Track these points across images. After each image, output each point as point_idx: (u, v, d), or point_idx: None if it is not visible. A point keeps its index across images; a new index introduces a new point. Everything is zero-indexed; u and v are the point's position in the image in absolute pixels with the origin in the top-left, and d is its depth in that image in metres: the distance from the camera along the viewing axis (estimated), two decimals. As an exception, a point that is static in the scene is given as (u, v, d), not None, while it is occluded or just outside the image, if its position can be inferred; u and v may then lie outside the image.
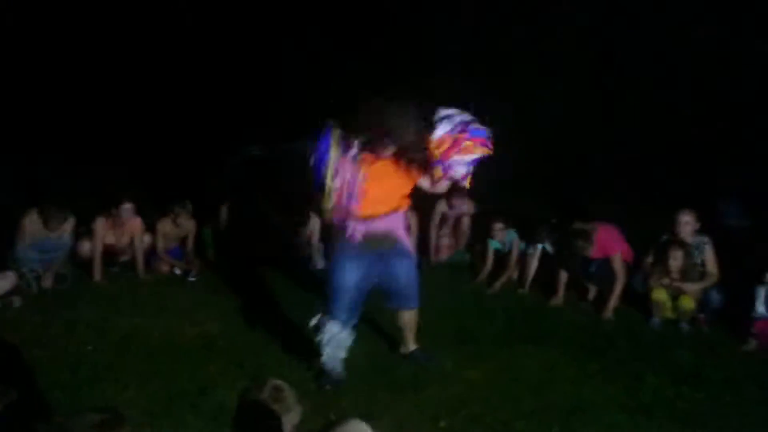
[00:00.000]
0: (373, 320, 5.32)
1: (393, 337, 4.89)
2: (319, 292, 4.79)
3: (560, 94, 10.01)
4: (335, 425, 1.98)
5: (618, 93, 9.95)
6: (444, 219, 7.35)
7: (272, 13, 13.09)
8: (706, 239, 5.68)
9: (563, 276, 6.14)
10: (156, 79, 13.13)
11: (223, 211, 7.22)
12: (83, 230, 6.60)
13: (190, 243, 6.97)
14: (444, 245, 7.23)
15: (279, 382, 2.44)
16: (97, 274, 6.41)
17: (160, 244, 6.82)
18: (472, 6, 11.30)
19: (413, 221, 7.13)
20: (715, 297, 5.50)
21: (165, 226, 6.85)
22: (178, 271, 6.76)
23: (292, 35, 12.98)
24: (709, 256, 5.64)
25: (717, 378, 4.45)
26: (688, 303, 5.48)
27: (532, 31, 10.89)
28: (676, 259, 5.59)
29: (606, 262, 5.96)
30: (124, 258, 6.83)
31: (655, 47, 10.00)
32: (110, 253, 6.66)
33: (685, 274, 5.59)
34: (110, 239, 6.62)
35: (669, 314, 5.59)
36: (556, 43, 10.59)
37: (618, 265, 5.87)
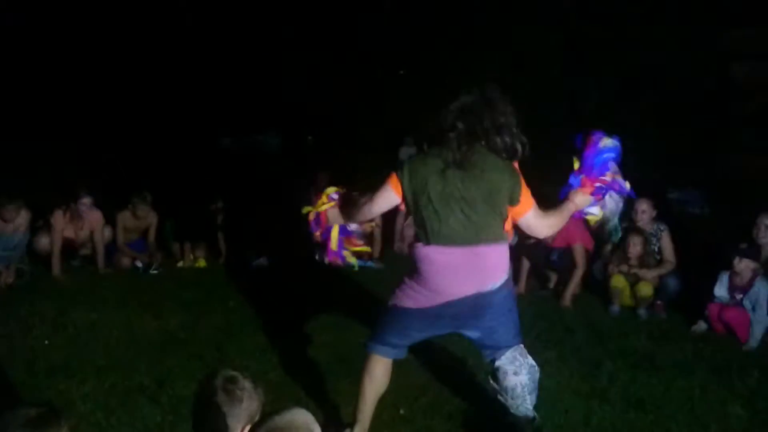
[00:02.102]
0: (336, 311, 5.34)
1: (356, 327, 4.91)
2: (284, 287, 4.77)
3: (526, 86, 10.12)
4: (276, 414, 1.98)
5: (580, 84, 10.08)
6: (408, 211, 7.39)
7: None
8: (663, 227, 5.79)
9: (525, 265, 6.22)
10: (122, 71, 12.96)
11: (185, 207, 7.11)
12: (41, 224, 6.51)
13: (151, 235, 6.90)
14: (408, 236, 7.26)
15: (232, 373, 2.43)
16: (56, 269, 6.33)
17: (121, 238, 6.75)
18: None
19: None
20: (672, 283, 5.61)
21: (125, 219, 6.77)
22: (139, 264, 6.69)
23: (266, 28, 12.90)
24: (666, 244, 5.75)
25: (670, 363, 4.53)
26: (645, 289, 5.58)
27: (498, 29, 10.98)
28: (635, 246, 5.69)
29: (567, 251, 6.05)
30: (85, 251, 6.76)
31: (617, 43, 10.16)
32: (69, 247, 6.58)
33: (643, 261, 5.69)
34: (69, 233, 6.54)
35: (627, 301, 5.69)
36: (523, 39, 10.70)
37: (579, 254, 5.96)
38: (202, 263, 6.95)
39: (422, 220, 3.14)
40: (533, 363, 3.36)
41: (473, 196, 3.09)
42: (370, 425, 3.43)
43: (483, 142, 3.10)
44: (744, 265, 5.07)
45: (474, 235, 3.11)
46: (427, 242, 3.13)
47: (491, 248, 3.15)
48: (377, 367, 3.37)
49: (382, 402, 3.59)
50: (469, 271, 3.12)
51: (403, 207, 3.25)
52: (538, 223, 3.26)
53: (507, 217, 3.21)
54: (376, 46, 11.74)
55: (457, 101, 3.14)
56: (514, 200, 3.15)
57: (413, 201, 3.15)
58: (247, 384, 2.41)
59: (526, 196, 3.18)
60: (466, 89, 3.17)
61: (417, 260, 3.19)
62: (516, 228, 6.41)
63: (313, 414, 3.47)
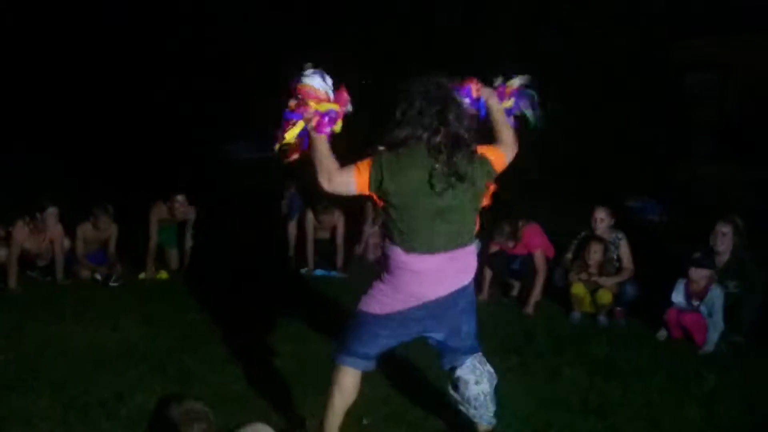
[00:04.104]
0: (300, 321, 5.32)
1: (320, 337, 4.90)
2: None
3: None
4: (238, 429, 1.98)
5: (540, 92, 10.20)
6: (375, 217, 7.40)
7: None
8: (621, 234, 5.88)
9: (488, 273, 6.27)
10: (88, 76, 12.79)
11: (155, 213, 6.97)
12: (2, 234, 6.38)
13: (111, 246, 6.78)
14: (372, 244, 7.27)
15: (194, 406, 2.42)
16: (12, 281, 6.18)
17: (80, 248, 6.62)
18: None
19: (340, 221, 7.14)
20: (631, 290, 5.70)
21: (85, 230, 6.65)
22: (98, 277, 6.56)
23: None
24: (624, 251, 5.84)
25: (629, 368, 4.61)
26: (605, 296, 5.67)
27: (466, 33, 11.06)
28: (595, 254, 5.78)
29: (529, 259, 6.12)
30: (42, 262, 6.62)
31: (579, 53, 10.33)
32: (26, 258, 6.44)
33: (603, 269, 5.79)
34: (29, 244, 6.40)
35: (588, 308, 5.77)
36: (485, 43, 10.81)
37: (540, 262, 6.04)
38: (164, 275, 6.85)
39: (406, 229, 3.08)
40: (491, 370, 3.42)
41: (463, 206, 3.10)
42: (336, 437, 3.41)
43: (463, 143, 3.04)
44: (699, 274, 5.19)
45: (455, 241, 3.12)
46: (408, 250, 3.08)
47: (466, 250, 3.19)
48: (347, 379, 3.33)
49: (346, 412, 3.60)
50: (445, 274, 3.14)
51: (372, 211, 3.21)
52: (509, 155, 3.29)
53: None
54: (346, 56, 11.76)
55: (429, 100, 3.03)
56: (492, 175, 3.18)
57: (393, 208, 3.07)
58: (205, 415, 2.41)
59: (495, 156, 3.19)
60: (424, 85, 3.06)
61: (392, 266, 3.15)
62: (479, 237, 6.47)
63: (277, 426, 3.49)
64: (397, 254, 3.11)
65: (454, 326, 3.28)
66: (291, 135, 3.14)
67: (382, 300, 3.20)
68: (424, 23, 11.19)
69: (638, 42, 10.24)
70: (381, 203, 3.13)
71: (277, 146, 3.18)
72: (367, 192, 3.09)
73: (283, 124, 3.16)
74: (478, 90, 3.44)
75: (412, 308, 3.17)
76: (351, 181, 3.07)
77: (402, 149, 3.05)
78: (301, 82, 3.13)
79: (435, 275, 3.12)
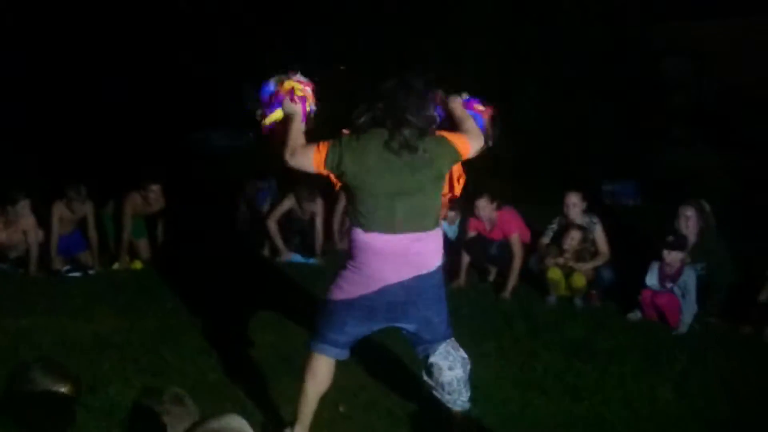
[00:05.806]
0: (277, 310, 5.30)
1: (296, 325, 4.88)
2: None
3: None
4: (209, 419, 1.95)
5: (517, 78, 10.22)
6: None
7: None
8: (595, 219, 5.91)
9: (465, 259, 6.29)
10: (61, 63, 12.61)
11: (130, 202, 6.86)
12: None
13: (91, 226, 6.62)
14: (345, 231, 7.24)
15: (179, 392, 2.38)
16: (-15, 275, 6.09)
17: (55, 229, 6.45)
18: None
19: (320, 208, 7.10)
20: (607, 274, 5.74)
21: (61, 209, 6.49)
22: (67, 268, 6.43)
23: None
24: (599, 236, 5.87)
25: (604, 350, 4.67)
26: (579, 280, 5.70)
27: (442, 22, 11.04)
28: (573, 240, 5.80)
29: (505, 244, 6.13)
30: (15, 254, 6.51)
31: (555, 39, 10.34)
32: (-1, 250, 6.35)
33: (579, 255, 5.81)
34: (1, 237, 6.29)
35: (563, 292, 5.81)
36: (461, 34, 10.79)
37: (516, 246, 6.05)
38: (138, 265, 6.77)
39: (365, 209, 3.14)
40: (465, 355, 3.43)
41: (423, 187, 3.15)
42: (309, 424, 3.40)
43: (408, 124, 3.09)
44: (673, 257, 5.25)
45: (419, 223, 3.16)
46: (369, 229, 3.14)
47: (432, 234, 3.22)
48: (320, 366, 3.34)
49: (322, 400, 3.60)
50: (408, 256, 3.17)
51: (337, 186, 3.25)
52: (474, 142, 3.28)
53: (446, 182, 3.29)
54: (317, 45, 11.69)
55: (378, 87, 3.17)
56: (457, 158, 3.22)
57: (353, 189, 3.15)
58: (189, 402, 2.38)
59: (459, 142, 3.21)
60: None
61: (355, 247, 3.20)
62: (456, 222, 6.43)
63: (253, 414, 3.48)
64: (358, 234, 3.18)
65: (425, 317, 3.29)
66: (273, 118, 3.30)
67: (345, 286, 3.25)
68: (400, 16, 11.14)
69: (614, 26, 10.28)
70: (338, 183, 3.21)
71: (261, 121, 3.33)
72: (322, 170, 3.17)
73: (267, 105, 3.31)
74: (442, 100, 3.47)
75: (374, 293, 3.18)
76: (309, 157, 3.16)
77: (362, 133, 3.15)
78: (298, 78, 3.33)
79: (397, 257, 3.15)
